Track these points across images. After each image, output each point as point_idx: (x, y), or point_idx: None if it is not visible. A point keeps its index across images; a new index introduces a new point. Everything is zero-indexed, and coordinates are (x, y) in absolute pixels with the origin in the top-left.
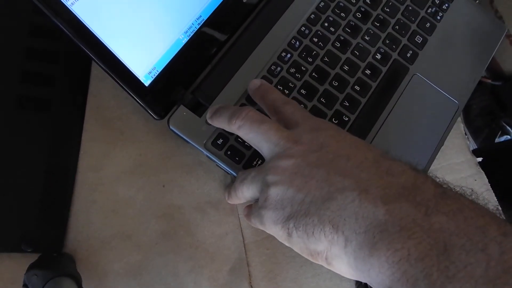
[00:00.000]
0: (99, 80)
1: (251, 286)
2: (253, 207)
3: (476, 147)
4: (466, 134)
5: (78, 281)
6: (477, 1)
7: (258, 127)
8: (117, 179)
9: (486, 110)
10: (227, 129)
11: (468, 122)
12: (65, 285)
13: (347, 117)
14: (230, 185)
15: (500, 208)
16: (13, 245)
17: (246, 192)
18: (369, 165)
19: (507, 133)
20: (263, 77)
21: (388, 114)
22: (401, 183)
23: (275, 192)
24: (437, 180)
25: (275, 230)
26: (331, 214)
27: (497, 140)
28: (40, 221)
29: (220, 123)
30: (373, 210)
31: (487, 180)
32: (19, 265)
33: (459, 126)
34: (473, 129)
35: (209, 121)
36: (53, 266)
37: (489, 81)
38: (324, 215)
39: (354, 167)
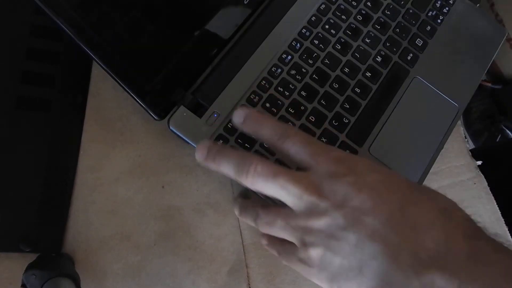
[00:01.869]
0: (99, 81)
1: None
2: (288, 250)
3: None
4: (465, 137)
5: (76, 281)
6: (478, 5)
7: (273, 181)
8: (116, 179)
9: (486, 113)
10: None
11: (468, 125)
12: (64, 285)
13: (347, 119)
14: (241, 200)
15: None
16: (12, 245)
17: (273, 234)
18: (396, 220)
19: (507, 136)
20: (264, 79)
21: (388, 117)
22: (431, 248)
23: (315, 253)
24: (471, 225)
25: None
26: (368, 282)
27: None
28: (39, 221)
29: (225, 172)
30: (406, 283)
31: (486, 183)
32: (17, 265)
33: (459, 129)
34: (473, 132)
35: (210, 165)
36: (52, 266)
37: (489, 84)
38: (362, 283)
39: (381, 225)
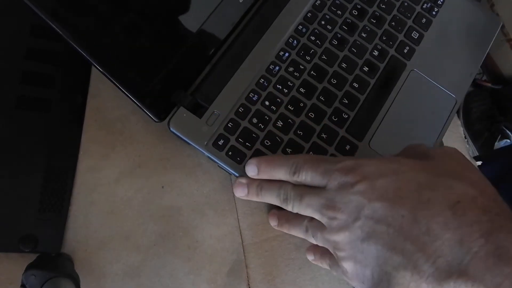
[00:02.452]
0: (99, 81)
1: None
2: (333, 263)
3: (476, 150)
4: (465, 137)
5: (76, 281)
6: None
7: (300, 203)
8: (116, 180)
9: (486, 113)
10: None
11: (468, 126)
12: (63, 285)
13: (347, 114)
14: (278, 212)
15: None
16: (12, 245)
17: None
18: (409, 228)
19: (507, 136)
20: (262, 77)
21: (387, 111)
22: (447, 253)
23: (348, 266)
24: (487, 215)
25: None
26: None
27: (496, 143)
28: (39, 221)
29: (269, 202)
30: None
31: None
32: (17, 265)
33: (459, 129)
34: (473, 132)
35: (252, 199)
36: (52, 266)
37: (489, 85)
38: None
39: (396, 233)
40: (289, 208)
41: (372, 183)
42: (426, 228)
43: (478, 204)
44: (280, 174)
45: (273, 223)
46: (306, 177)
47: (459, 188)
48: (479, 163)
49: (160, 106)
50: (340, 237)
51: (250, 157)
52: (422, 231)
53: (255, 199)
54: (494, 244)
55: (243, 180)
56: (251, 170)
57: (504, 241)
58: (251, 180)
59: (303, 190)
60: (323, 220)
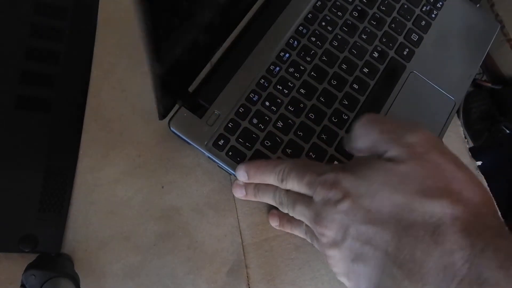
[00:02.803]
0: (99, 81)
1: None
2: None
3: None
4: (465, 137)
5: (76, 281)
6: (478, 5)
7: (293, 210)
8: (116, 180)
9: (485, 114)
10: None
11: (467, 126)
12: (63, 285)
13: (346, 115)
14: (278, 212)
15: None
16: (12, 245)
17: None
18: (395, 253)
19: (507, 136)
20: (262, 77)
21: (387, 112)
22: (434, 282)
23: (344, 281)
24: (467, 239)
25: None
26: None
27: None
28: (39, 221)
29: (267, 202)
30: None
31: (486, 184)
32: (17, 265)
33: (459, 129)
34: (473, 132)
35: (251, 199)
36: (51, 266)
37: (489, 85)
38: None
39: (384, 259)
40: (285, 211)
41: (355, 202)
42: (410, 255)
43: (458, 226)
44: (270, 180)
45: (274, 223)
46: (293, 185)
47: (437, 211)
48: (479, 163)
49: (162, 105)
50: (331, 253)
51: (250, 158)
52: (406, 258)
53: (253, 199)
54: (476, 273)
55: (241, 182)
56: (242, 175)
57: (486, 268)
58: (248, 183)
59: (295, 197)
60: (315, 232)
